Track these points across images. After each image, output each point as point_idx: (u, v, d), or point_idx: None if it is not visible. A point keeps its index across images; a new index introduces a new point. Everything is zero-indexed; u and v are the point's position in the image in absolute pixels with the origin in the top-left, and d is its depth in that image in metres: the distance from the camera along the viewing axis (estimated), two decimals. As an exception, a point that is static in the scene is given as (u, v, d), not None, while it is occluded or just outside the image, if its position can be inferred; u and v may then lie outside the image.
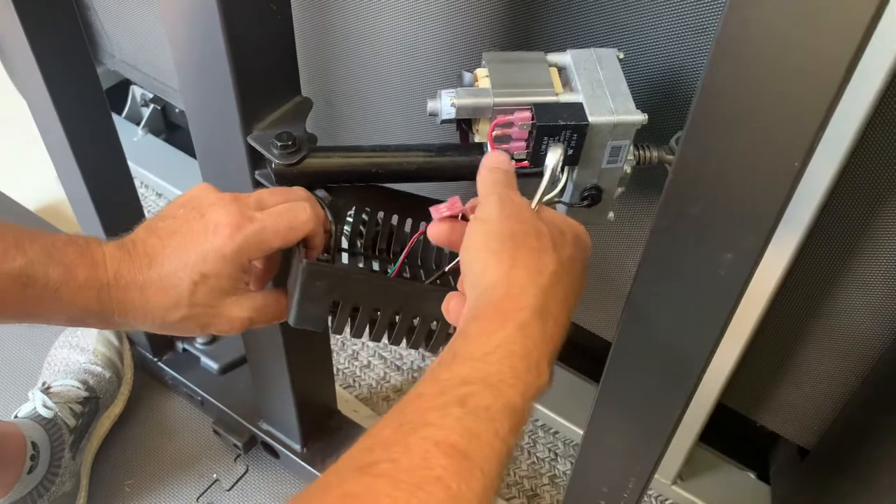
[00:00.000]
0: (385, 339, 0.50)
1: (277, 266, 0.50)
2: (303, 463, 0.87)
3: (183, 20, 0.49)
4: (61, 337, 0.92)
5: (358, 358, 1.03)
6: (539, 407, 0.94)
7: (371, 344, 1.04)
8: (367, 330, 0.49)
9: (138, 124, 1.16)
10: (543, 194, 0.46)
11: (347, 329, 0.49)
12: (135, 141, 1.15)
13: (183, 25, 0.50)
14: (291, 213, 0.45)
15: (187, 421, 0.93)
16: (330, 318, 0.48)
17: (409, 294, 0.48)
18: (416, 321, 0.49)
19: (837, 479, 0.67)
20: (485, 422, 0.32)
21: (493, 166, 0.44)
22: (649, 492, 0.84)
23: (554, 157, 0.49)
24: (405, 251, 0.53)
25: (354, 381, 1.00)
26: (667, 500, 0.83)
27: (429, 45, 0.64)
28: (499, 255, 0.38)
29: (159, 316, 0.42)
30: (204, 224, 0.42)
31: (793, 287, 0.61)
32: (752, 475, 0.82)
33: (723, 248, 0.36)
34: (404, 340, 0.51)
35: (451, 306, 0.43)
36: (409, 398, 0.34)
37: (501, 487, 0.30)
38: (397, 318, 0.49)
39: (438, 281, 0.51)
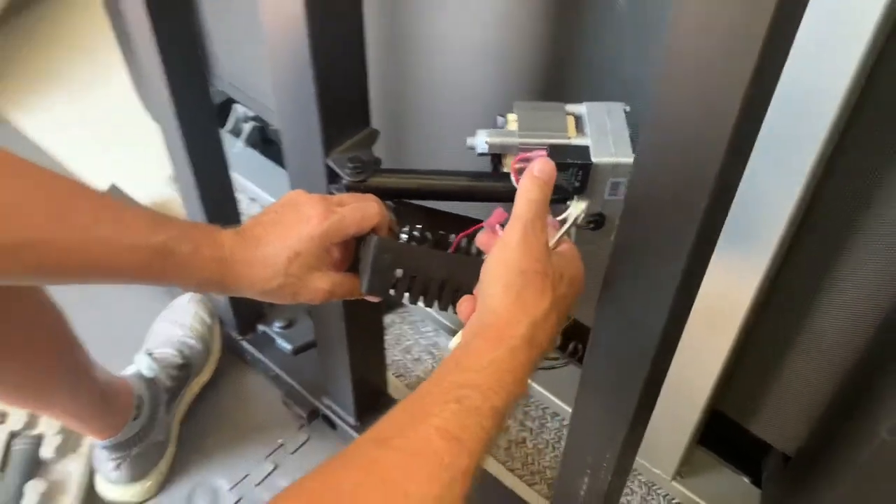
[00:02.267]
0: (436, 307, 0.63)
1: (352, 256, 0.64)
2: (356, 434, 1.01)
3: (283, 61, 0.64)
4: (163, 312, 1.09)
5: (410, 352, 1.17)
6: (548, 395, 1.06)
7: (423, 341, 1.18)
8: (421, 298, 0.62)
9: (238, 137, 1.34)
10: (560, 238, 0.58)
11: (407, 297, 0.62)
12: (234, 152, 1.33)
13: (283, 66, 0.65)
14: (364, 208, 0.59)
15: (261, 392, 1.09)
16: (392, 291, 0.61)
17: (456, 264, 0.61)
18: (459, 291, 0.62)
19: (813, 484, 0.77)
20: (474, 417, 0.42)
21: (537, 176, 0.54)
22: (651, 485, 0.95)
23: (576, 209, 0.61)
24: (457, 238, 0.66)
25: (405, 371, 1.14)
26: (666, 494, 0.94)
27: (474, 93, 0.78)
28: (508, 287, 0.48)
29: (261, 285, 0.57)
30: (298, 216, 0.56)
31: (770, 308, 0.72)
32: (746, 479, 0.91)
33: (661, 260, 0.49)
34: (450, 307, 0.63)
35: (463, 307, 0.53)
36: (420, 393, 0.44)
37: (483, 465, 0.41)
38: (444, 289, 0.62)
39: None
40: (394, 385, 1.10)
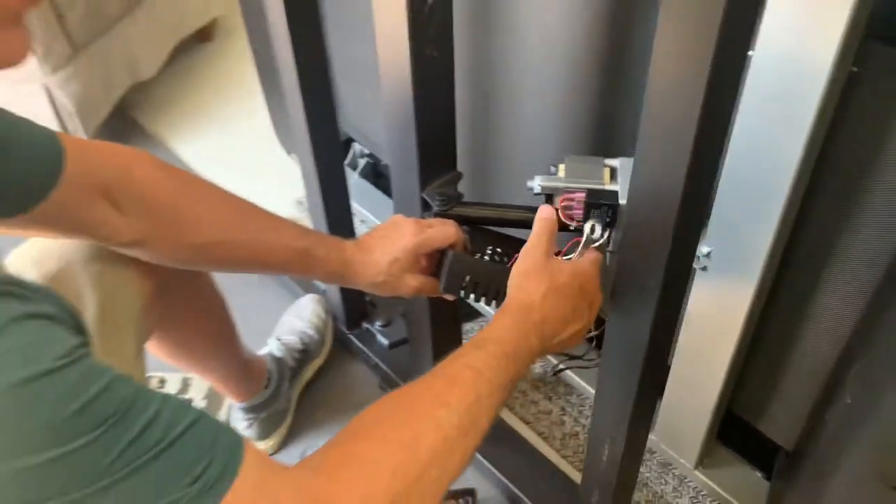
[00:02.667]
0: (493, 306, 0.85)
1: (435, 265, 0.87)
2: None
3: (394, 117, 0.88)
4: (290, 308, 1.36)
5: (486, 355, 1.39)
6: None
7: (497, 346, 1.40)
8: (482, 299, 0.84)
9: (355, 169, 1.61)
10: (582, 248, 0.79)
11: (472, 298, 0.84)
12: (351, 182, 1.59)
13: (394, 120, 0.89)
14: (445, 230, 0.82)
15: (363, 377, 1.34)
16: (462, 292, 0.83)
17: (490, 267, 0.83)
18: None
19: (800, 475, 0.93)
20: (492, 359, 0.62)
21: (543, 216, 0.77)
22: (675, 471, 1.13)
23: (588, 227, 0.81)
24: (513, 257, 0.88)
25: (481, 370, 1.36)
26: (689, 481, 1.11)
27: (534, 146, 1.00)
28: (517, 284, 0.71)
29: (370, 279, 0.81)
30: (398, 233, 0.80)
31: (767, 324, 0.90)
32: (759, 474, 1.08)
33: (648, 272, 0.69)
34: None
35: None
36: (461, 350, 0.64)
37: (502, 395, 0.62)
38: (499, 293, 0.83)
39: None
40: (470, 380, 1.32)
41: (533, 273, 0.71)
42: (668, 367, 1.01)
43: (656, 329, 0.73)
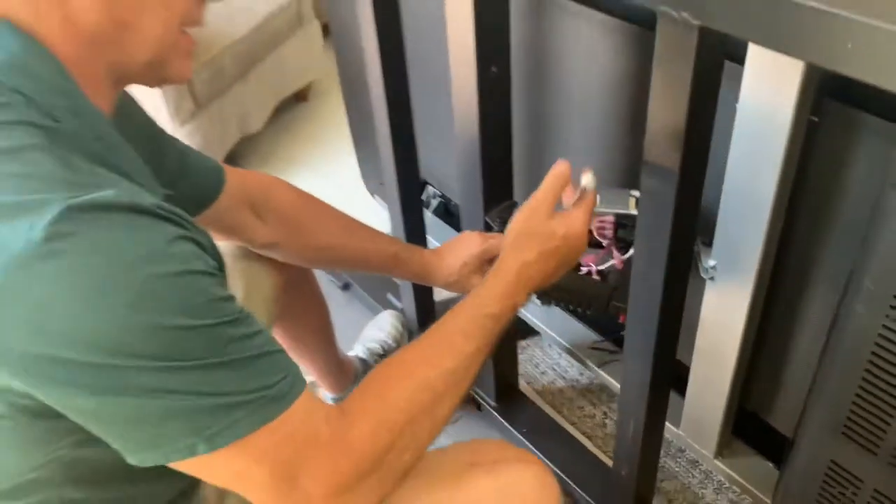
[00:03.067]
0: (540, 302, 1.07)
1: None
2: (494, 413, 1.45)
3: (464, 162, 1.14)
4: (373, 321, 1.61)
5: (538, 367, 1.60)
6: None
7: (548, 360, 1.61)
8: (539, 297, 1.07)
9: (428, 208, 1.87)
10: (577, 201, 0.98)
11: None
12: (426, 220, 1.85)
13: (464, 165, 1.14)
14: (502, 240, 1.06)
15: (432, 382, 1.57)
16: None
17: (583, 283, 1.06)
18: (563, 293, 1.05)
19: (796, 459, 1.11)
20: (480, 320, 0.76)
21: (557, 172, 0.89)
22: (701, 466, 1.30)
23: (584, 179, 0.99)
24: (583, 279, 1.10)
25: (533, 380, 1.57)
26: (714, 474, 1.29)
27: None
28: (511, 244, 0.84)
29: (444, 279, 1.05)
30: (467, 242, 1.05)
31: (766, 329, 1.10)
32: (770, 464, 1.25)
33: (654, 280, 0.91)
34: (557, 302, 1.07)
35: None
36: (457, 311, 0.77)
37: (487, 350, 0.78)
38: (555, 293, 1.06)
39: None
40: (524, 387, 1.54)
41: (531, 234, 0.85)
42: (687, 367, 1.21)
43: (663, 322, 0.94)
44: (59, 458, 0.62)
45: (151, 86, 0.69)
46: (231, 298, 0.61)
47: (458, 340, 0.75)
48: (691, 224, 0.88)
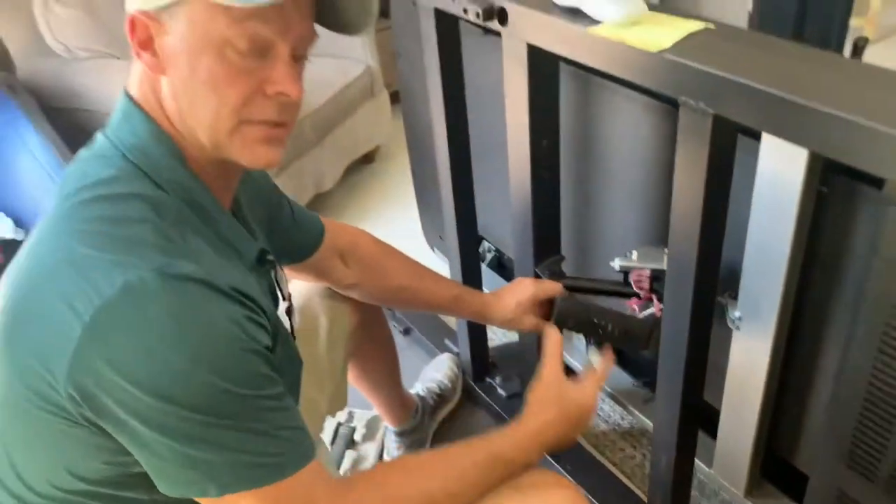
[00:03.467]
0: (589, 340, 1.22)
1: (548, 311, 1.25)
2: (546, 457, 1.57)
3: (518, 221, 1.30)
4: (431, 363, 1.76)
5: (584, 411, 1.73)
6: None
7: (593, 405, 1.73)
8: (585, 333, 1.22)
9: (483, 261, 2.04)
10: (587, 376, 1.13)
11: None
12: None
13: (518, 223, 1.31)
14: (555, 285, 1.21)
15: (485, 421, 1.70)
16: (566, 329, 1.21)
17: (603, 312, 1.21)
18: (606, 330, 1.20)
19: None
20: (490, 463, 0.85)
21: (551, 340, 1.05)
22: (727, 500, 1.41)
23: (594, 358, 1.18)
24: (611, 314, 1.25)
25: (579, 422, 1.70)
26: (740, 507, 1.39)
27: (617, 238, 1.39)
28: (533, 404, 0.95)
29: (500, 317, 1.20)
30: (521, 285, 1.20)
31: (789, 378, 1.22)
32: (797, 505, 1.35)
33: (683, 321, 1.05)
34: (600, 338, 1.22)
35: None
36: (475, 442, 0.87)
37: (488, 486, 0.85)
38: (599, 330, 1.21)
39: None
40: (570, 428, 1.67)
41: (547, 402, 0.96)
42: (718, 410, 1.33)
43: (689, 365, 1.08)
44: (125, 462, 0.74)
45: (244, 166, 0.79)
46: (273, 379, 0.73)
47: (468, 468, 0.85)
48: (712, 279, 1.02)
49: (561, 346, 1.04)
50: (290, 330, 0.92)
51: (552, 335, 1.05)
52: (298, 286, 1.21)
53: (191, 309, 0.68)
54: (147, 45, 0.73)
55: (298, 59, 0.78)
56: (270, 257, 0.88)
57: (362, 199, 2.61)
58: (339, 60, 2.51)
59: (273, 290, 0.91)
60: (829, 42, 2.06)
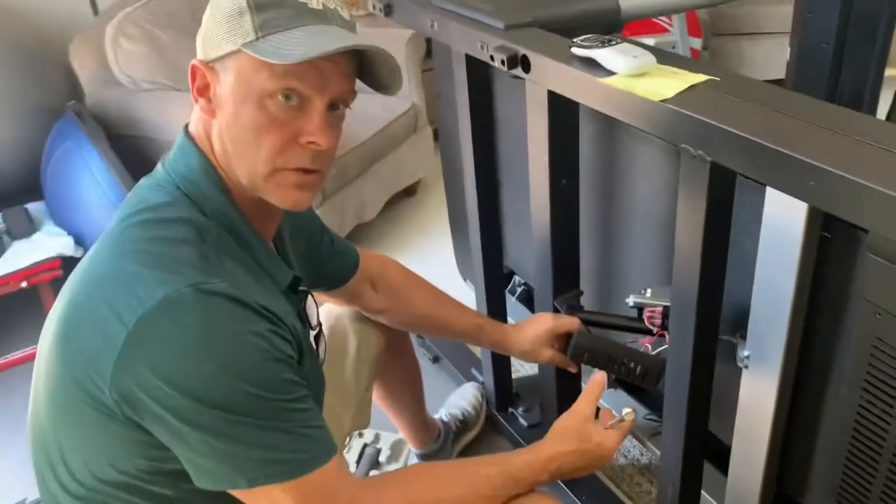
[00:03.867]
0: (605, 371, 1.27)
1: (562, 348, 1.31)
2: (559, 482, 1.62)
3: (540, 259, 1.37)
4: (457, 391, 1.82)
5: (604, 445, 1.76)
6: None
7: (613, 439, 1.77)
8: (599, 367, 1.27)
9: (514, 295, 2.10)
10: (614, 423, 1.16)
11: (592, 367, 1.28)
12: (511, 304, 2.08)
13: (540, 261, 1.37)
14: (572, 320, 1.27)
15: (505, 448, 1.75)
16: (582, 362, 1.27)
17: (618, 347, 1.26)
18: (620, 365, 1.25)
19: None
20: (503, 479, 0.93)
21: (595, 381, 1.13)
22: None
23: (625, 412, 1.18)
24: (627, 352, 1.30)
25: (598, 454, 1.74)
26: (751, 545, 1.41)
27: (632, 276, 1.44)
28: (555, 434, 1.02)
29: (518, 349, 1.26)
30: (540, 319, 1.27)
31: (796, 419, 1.25)
32: (808, 546, 1.36)
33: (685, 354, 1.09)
34: (614, 373, 1.27)
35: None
36: (492, 457, 0.98)
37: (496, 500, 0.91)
38: (614, 365, 1.26)
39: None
40: (588, 460, 1.70)
41: (571, 432, 1.02)
42: (730, 447, 1.36)
43: (692, 398, 1.12)
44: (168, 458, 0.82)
45: (278, 205, 0.87)
46: (298, 383, 0.81)
47: (482, 482, 0.93)
48: (713, 316, 1.07)
49: (601, 389, 1.09)
50: (317, 355, 1.00)
51: (597, 378, 1.11)
52: (331, 309, 1.30)
53: (221, 321, 0.76)
54: (203, 91, 0.84)
55: (337, 108, 0.87)
56: (303, 287, 0.97)
57: (402, 231, 2.71)
58: (387, 98, 2.62)
59: (301, 316, 0.99)
60: (863, 92, 2.09)
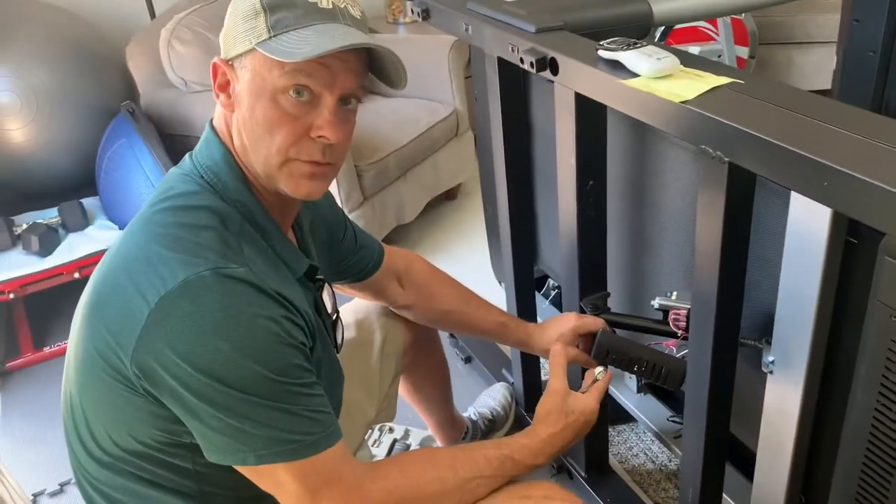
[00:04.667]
0: (626, 371, 1.28)
1: (587, 348, 1.33)
2: (584, 483, 1.62)
3: (567, 262, 1.38)
4: (486, 390, 1.84)
5: (632, 450, 1.76)
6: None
7: (641, 444, 1.77)
8: (622, 367, 1.28)
9: (547, 298, 2.11)
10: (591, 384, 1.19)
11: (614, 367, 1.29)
12: (543, 307, 2.09)
13: (566, 264, 1.39)
14: (597, 320, 1.28)
15: (533, 449, 1.77)
16: (606, 361, 1.28)
17: (641, 348, 1.27)
18: (643, 366, 1.26)
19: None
20: (502, 460, 0.97)
21: (554, 354, 1.17)
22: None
23: (597, 372, 1.22)
24: (648, 351, 1.31)
25: (625, 459, 1.74)
26: (775, 554, 1.39)
27: (658, 279, 1.45)
28: (541, 415, 1.06)
29: (541, 347, 1.28)
30: (565, 318, 1.27)
31: (822, 429, 1.24)
32: (833, 557, 1.34)
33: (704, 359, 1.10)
34: (637, 374, 1.28)
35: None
36: (491, 442, 1.01)
37: (497, 481, 0.95)
38: (636, 366, 1.27)
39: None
40: (614, 464, 1.71)
41: (555, 413, 1.07)
42: (755, 453, 1.35)
43: (712, 399, 1.13)
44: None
45: (291, 195, 0.92)
46: (308, 370, 0.84)
47: (481, 463, 0.96)
48: (733, 318, 1.08)
49: (564, 357, 1.16)
50: (334, 342, 1.04)
51: (556, 351, 1.16)
52: (359, 303, 1.34)
53: (238, 304, 0.81)
54: (224, 87, 0.89)
55: (349, 103, 0.91)
56: (320, 276, 1.01)
57: (441, 234, 2.74)
58: (430, 102, 2.67)
59: (317, 304, 1.03)
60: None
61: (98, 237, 2.19)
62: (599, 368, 1.17)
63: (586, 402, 1.10)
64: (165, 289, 0.79)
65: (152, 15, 2.79)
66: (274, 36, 0.84)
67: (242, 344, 0.79)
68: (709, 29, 2.87)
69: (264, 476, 0.85)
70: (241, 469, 0.85)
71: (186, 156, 0.94)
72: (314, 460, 0.84)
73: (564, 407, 1.07)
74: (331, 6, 0.86)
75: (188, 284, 0.79)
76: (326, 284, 1.04)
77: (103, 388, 0.86)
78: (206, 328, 0.79)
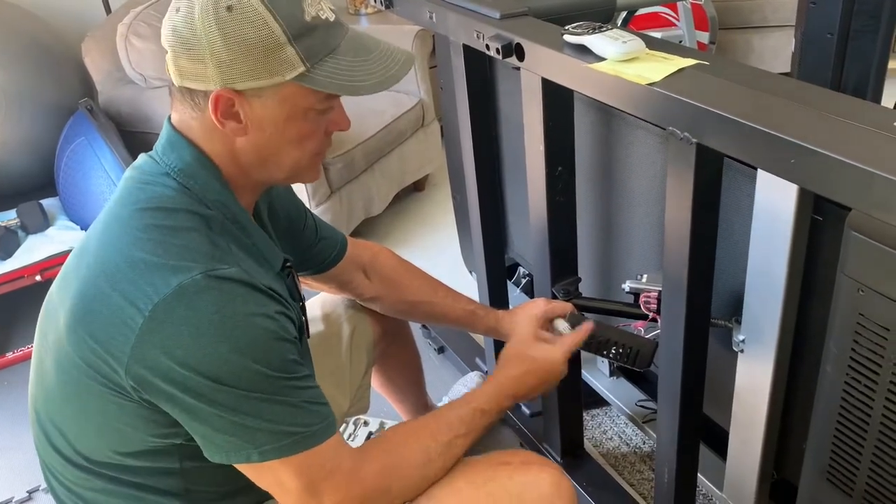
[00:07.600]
0: (600, 356, 1.29)
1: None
2: (561, 464, 1.63)
3: (536, 247, 1.38)
4: (460, 379, 1.84)
5: (606, 433, 1.78)
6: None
7: (615, 428, 1.78)
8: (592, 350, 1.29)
9: (518, 286, 2.11)
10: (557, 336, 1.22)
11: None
12: (514, 295, 2.10)
13: (536, 249, 1.39)
14: (565, 304, 1.28)
15: (507, 437, 1.76)
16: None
17: (609, 330, 1.27)
18: (612, 348, 1.27)
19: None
20: (473, 414, 1.00)
21: (533, 314, 1.21)
22: (738, 520, 1.43)
23: (561, 326, 1.25)
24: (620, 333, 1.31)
25: (599, 443, 1.75)
26: (749, 530, 1.41)
27: (628, 262, 1.46)
28: (517, 362, 1.10)
29: (512, 334, 1.28)
30: (534, 304, 1.27)
31: (793, 401, 1.26)
32: (806, 530, 1.36)
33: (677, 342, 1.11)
34: (607, 356, 1.29)
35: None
36: (458, 401, 1.04)
37: (475, 435, 1.01)
38: (605, 349, 1.27)
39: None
40: (589, 448, 1.72)
41: (516, 358, 1.11)
42: (728, 431, 1.37)
43: (686, 379, 1.14)
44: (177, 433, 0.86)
45: (284, 185, 0.97)
46: (301, 363, 0.86)
47: (455, 423, 0.99)
48: (704, 298, 1.09)
49: (538, 313, 1.21)
50: (305, 328, 1.03)
51: (531, 304, 1.21)
52: (326, 297, 1.32)
53: (233, 305, 0.80)
54: (232, 116, 0.85)
55: None
56: (289, 264, 1.00)
57: (409, 225, 2.73)
58: (395, 94, 2.65)
59: (292, 292, 1.02)
60: (867, 82, 2.09)
61: (59, 238, 2.14)
62: (564, 323, 1.20)
63: (551, 351, 1.13)
64: (158, 296, 0.78)
65: (108, 10, 2.73)
66: (312, 67, 0.84)
67: (241, 344, 0.79)
68: (669, 14, 2.89)
69: (265, 474, 0.85)
70: (242, 468, 0.84)
71: (145, 156, 0.91)
72: (316, 451, 0.85)
73: (528, 351, 1.11)
74: (333, 17, 0.88)
75: (182, 289, 0.78)
76: (293, 270, 1.03)
77: (90, 397, 0.85)
78: (203, 331, 0.78)
